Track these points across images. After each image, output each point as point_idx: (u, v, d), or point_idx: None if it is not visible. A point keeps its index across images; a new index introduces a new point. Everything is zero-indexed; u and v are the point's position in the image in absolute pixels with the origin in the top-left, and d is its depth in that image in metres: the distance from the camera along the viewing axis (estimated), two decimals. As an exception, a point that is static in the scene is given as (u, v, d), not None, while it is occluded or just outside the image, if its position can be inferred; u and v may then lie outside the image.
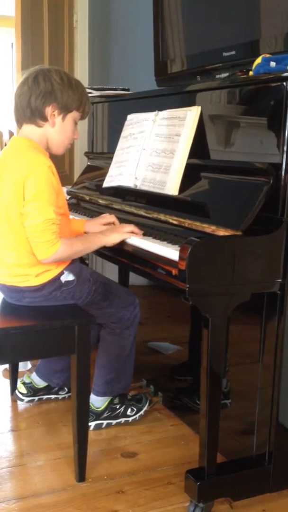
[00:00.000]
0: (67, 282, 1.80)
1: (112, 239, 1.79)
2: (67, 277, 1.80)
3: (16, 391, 2.23)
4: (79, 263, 1.89)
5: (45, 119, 1.77)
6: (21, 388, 2.22)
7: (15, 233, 1.73)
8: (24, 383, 2.23)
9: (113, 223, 1.94)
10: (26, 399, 2.22)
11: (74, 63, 3.74)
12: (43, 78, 1.75)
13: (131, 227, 1.80)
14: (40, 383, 2.23)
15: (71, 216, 2.17)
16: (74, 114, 1.82)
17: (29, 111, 1.76)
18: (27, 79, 1.76)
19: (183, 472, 1.62)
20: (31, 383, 2.23)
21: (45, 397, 2.25)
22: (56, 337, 1.70)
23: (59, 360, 2.13)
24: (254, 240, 1.47)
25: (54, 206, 1.69)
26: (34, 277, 1.76)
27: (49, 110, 1.76)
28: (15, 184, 1.68)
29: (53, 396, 2.26)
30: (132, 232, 1.78)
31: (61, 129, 1.80)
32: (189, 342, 2.13)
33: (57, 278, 1.79)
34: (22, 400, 2.22)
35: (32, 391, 2.22)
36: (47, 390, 2.25)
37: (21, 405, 2.23)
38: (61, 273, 1.79)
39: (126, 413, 2.09)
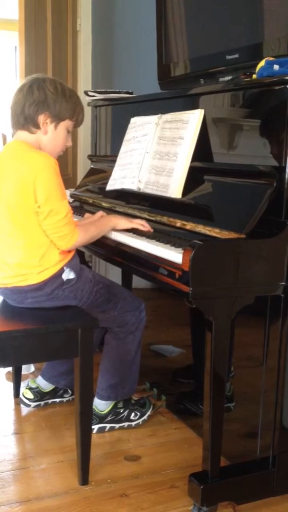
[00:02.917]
0: (68, 280, 1.81)
1: (122, 223, 1.91)
2: (68, 275, 1.81)
3: (22, 397, 2.22)
4: (79, 262, 1.90)
5: (37, 126, 1.81)
6: (27, 394, 2.21)
7: (22, 231, 1.74)
8: (30, 388, 2.21)
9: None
10: (33, 404, 2.21)
11: (77, 66, 3.75)
12: (37, 87, 1.80)
13: (142, 221, 1.90)
14: (46, 386, 2.22)
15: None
16: (67, 123, 1.86)
17: (23, 118, 1.81)
18: (23, 88, 1.82)
19: (186, 475, 1.62)
20: (37, 387, 2.22)
21: (50, 401, 2.24)
22: (59, 340, 1.70)
23: (64, 361, 2.12)
24: (257, 243, 1.47)
25: (66, 198, 1.78)
26: (35, 274, 1.77)
27: (41, 118, 1.80)
28: (22, 183, 1.69)
29: (58, 400, 2.25)
30: (142, 225, 1.88)
31: (53, 136, 1.84)
32: (193, 345, 2.12)
33: (58, 275, 1.79)
34: (28, 405, 2.21)
35: (39, 395, 2.21)
36: (53, 393, 2.24)
37: (25, 408, 2.22)
38: (62, 270, 1.80)
39: (129, 418, 2.09)
